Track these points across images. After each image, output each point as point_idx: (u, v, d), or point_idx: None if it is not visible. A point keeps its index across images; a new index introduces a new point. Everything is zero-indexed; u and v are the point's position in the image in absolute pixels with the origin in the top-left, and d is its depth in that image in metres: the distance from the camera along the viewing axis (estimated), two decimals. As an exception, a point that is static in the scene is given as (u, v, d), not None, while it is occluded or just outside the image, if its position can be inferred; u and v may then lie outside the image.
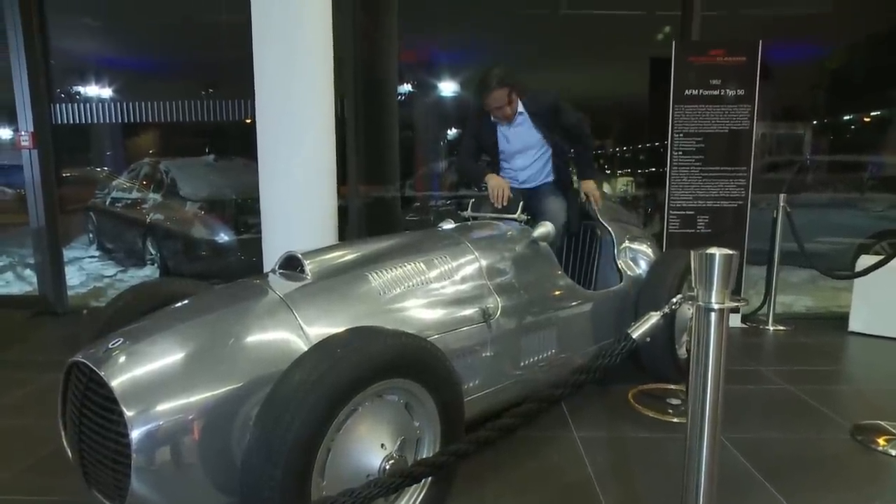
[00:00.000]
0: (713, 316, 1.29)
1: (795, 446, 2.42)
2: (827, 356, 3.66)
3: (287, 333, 1.78)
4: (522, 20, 6.66)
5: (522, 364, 2.38)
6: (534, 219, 2.98)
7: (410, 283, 2.13)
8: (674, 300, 1.40)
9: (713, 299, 1.28)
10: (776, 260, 4.24)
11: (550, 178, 3.29)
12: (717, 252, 1.26)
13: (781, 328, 4.22)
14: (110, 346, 1.64)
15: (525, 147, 3.22)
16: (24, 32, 4.47)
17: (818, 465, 2.28)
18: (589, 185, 3.26)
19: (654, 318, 1.36)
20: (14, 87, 4.53)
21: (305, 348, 1.68)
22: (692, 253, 1.30)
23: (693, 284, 1.31)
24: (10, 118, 4.73)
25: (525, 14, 6.57)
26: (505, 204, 2.95)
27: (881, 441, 2.44)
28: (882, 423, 2.58)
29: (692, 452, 1.36)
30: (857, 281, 3.96)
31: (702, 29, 4.30)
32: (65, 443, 1.75)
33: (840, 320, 4.20)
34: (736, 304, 1.29)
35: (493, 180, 3.02)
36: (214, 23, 5.74)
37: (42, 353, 3.81)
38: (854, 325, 4.09)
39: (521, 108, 3.13)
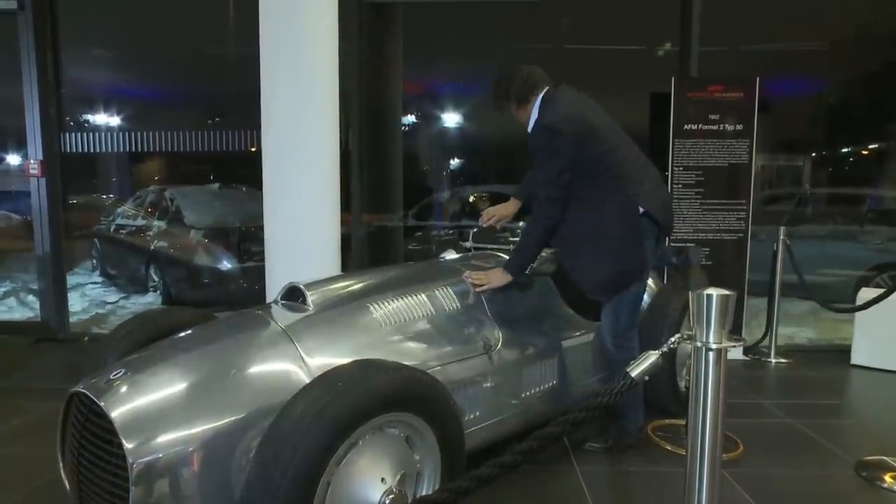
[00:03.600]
0: (711, 356, 1.30)
1: (799, 482, 2.39)
2: (830, 389, 3.63)
3: (288, 365, 1.79)
4: (526, 54, 6.80)
5: (524, 395, 2.38)
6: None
7: (412, 315, 2.14)
8: (672, 339, 1.41)
9: (711, 339, 1.30)
10: (777, 292, 4.24)
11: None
12: (715, 292, 1.28)
13: (783, 361, 4.20)
14: (111, 376, 1.65)
15: None
16: (38, 64, 4.57)
17: (823, 502, 2.25)
18: (495, 276, 2.38)
19: (652, 356, 1.37)
20: (25, 116, 4.61)
21: (307, 380, 1.69)
22: (690, 293, 1.32)
23: (691, 324, 1.32)
24: (20, 145, 4.80)
25: (528, 48, 6.72)
26: (485, 225, 2.75)
27: (887, 478, 2.41)
28: (887, 458, 2.54)
29: (692, 490, 1.36)
30: (858, 314, 3.95)
31: (700, 65, 4.38)
32: (63, 473, 1.75)
33: (842, 353, 4.18)
34: (734, 343, 1.30)
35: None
36: (222, 55, 5.87)
37: (42, 380, 3.80)
38: (856, 357, 4.07)
39: (534, 113, 2.41)
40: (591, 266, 2.38)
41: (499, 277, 2.37)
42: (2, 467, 2.52)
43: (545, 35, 6.63)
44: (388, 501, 1.60)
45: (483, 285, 2.37)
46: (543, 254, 2.64)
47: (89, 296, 6.69)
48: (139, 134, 4.73)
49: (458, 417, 1.79)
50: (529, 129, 2.43)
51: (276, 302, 2.17)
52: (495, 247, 2.92)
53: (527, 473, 2.42)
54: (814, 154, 7.75)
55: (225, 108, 5.99)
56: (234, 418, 1.60)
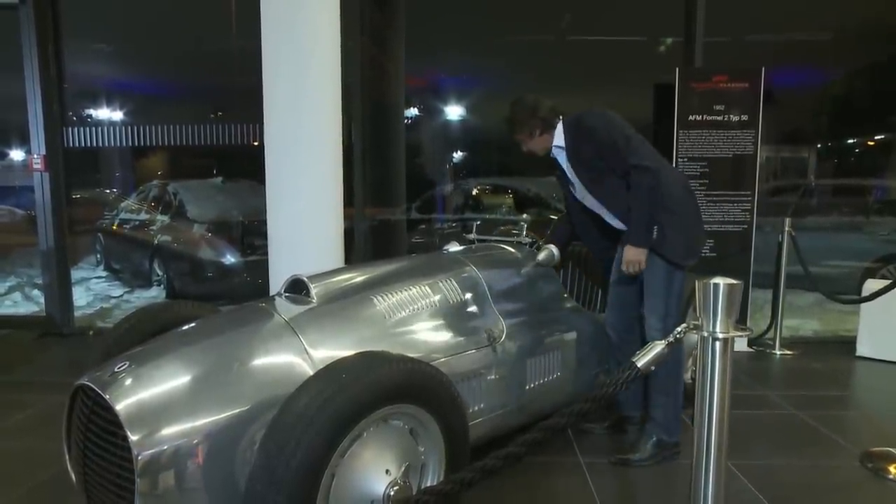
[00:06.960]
0: (718, 345, 1.29)
1: (805, 473, 2.39)
2: (835, 381, 3.62)
3: (292, 357, 1.78)
4: (528, 46, 6.77)
5: (528, 387, 2.37)
6: None
7: (415, 307, 2.13)
8: (678, 329, 1.40)
9: (717, 329, 1.29)
10: (782, 284, 4.22)
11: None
12: (721, 282, 1.27)
13: (788, 352, 4.19)
14: (116, 369, 1.65)
15: (581, 192, 2.56)
16: (40, 58, 4.56)
17: (828, 494, 2.25)
18: (630, 253, 2.37)
19: (658, 346, 1.36)
20: (28, 111, 4.61)
21: (311, 372, 1.69)
22: (696, 283, 1.31)
23: (697, 314, 1.32)
24: (23, 141, 4.80)
25: (530, 40, 6.67)
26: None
27: (892, 469, 2.40)
28: (892, 450, 2.54)
29: (698, 481, 1.35)
30: (864, 305, 3.94)
31: (704, 55, 4.35)
32: (69, 466, 1.75)
33: (847, 344, 4.17)
34: (740, 333, 1.29)
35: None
36: (224, 49, 5.85)
37: (47, 374, 3.82)
38: (862, 349, 4.05)
39: (558, 139, 2.50)
40: (665, 236, 2.38)
41: (635, 253, 2.37)
42: (8, 461, 2.53)
43: (547, 27, 6.59)
44: (392, 493, 1.60)
45: (635, 269, 2.39)
46: (548, 246, 2.63)
47: (94, 290, 6.72)
48: (142, 128, 4.73)
49: (462, 409, 1.79)
50: (558, 146, 2.51)
51: (279, 295, 2.17)
52: (498, 238, 2.91)
53: (531, 465, 2.42)
54: (819, 145, 7.70)
55: (227, 102, 5.98)
56: (238, 410, 1.59)
